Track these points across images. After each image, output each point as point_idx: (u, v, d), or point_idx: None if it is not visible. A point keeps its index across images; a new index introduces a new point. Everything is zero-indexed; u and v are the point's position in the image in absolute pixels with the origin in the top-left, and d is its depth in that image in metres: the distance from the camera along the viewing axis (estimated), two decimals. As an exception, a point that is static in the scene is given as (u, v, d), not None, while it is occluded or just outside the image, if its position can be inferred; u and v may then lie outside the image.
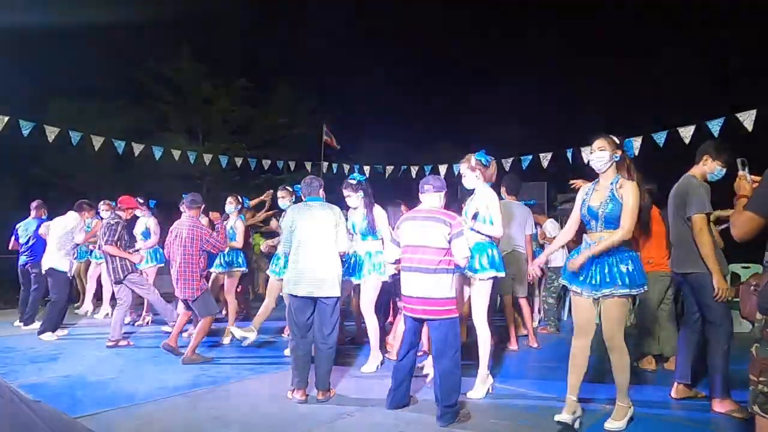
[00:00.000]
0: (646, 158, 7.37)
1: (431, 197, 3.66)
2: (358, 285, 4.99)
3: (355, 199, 4.79)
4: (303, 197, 4.23)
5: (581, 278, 3.25)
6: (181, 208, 5.90)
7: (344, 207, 4.76)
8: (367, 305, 4.81)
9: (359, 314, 5.44)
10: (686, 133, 6.89)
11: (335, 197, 5.13)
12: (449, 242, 3.46)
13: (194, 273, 5.03)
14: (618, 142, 3.30)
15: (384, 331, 5.42)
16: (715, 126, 6.61)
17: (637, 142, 7.36)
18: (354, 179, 4.85)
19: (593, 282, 3.19)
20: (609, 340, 3.20)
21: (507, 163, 8.91)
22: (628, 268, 3.14)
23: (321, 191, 4.21)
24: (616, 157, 3.25)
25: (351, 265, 4.86)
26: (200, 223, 5.20)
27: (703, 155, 3.72)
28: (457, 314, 3.53)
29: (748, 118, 6.34)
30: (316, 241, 3.92)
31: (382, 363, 4.81)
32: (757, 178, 2.48)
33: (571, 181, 5.23)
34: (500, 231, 4.00)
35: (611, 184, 3.24)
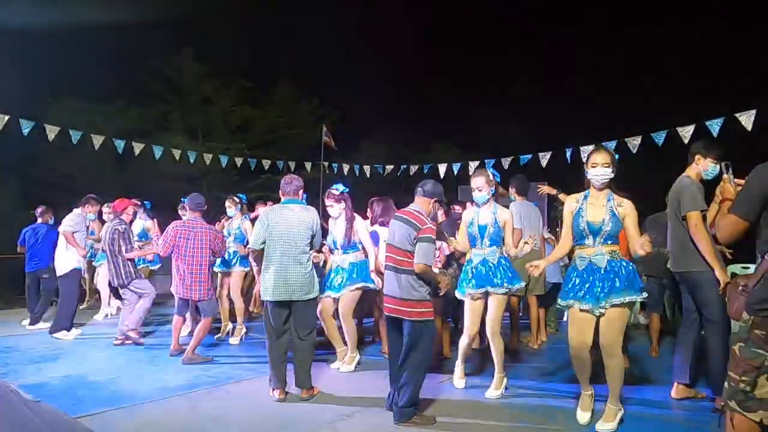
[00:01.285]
0: (646, 158, 7.39)
1: (420, 200, 3.66)
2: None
3: (336, 209, 4.72)
4: (281, 197, 4.10)
5: (582, 294, 3.25)
6: (180, 211, 5.92)
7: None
8: (345, 313, 4.77)
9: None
10: (686, 133, 6.89)
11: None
12: (414, 245, 3.46)
13: (207, 275, 5.10)
14: (616, 157, 3.34)
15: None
16: (714, 126, 6.60)
17: (636, 141, 7.36)
18: (337, 189, 4.76)
19: (599, 294, 3.19)
20: (608, 347, 3.22)
21: (506, 162, 8.91)
22: (629, 276, 3.21)
23: (300, 192, 4.11)
24: (613, 174, 3.28)
25: (332, 279, 4.80)
26: (213, 227, 5.27)
27: (694, 155, 3.75)
28: (428, 318, 3.49)
29: (747, 118, 6.34)
30: (291, 244, 3.88)
31: (359, 363, 4.85)
32: (741, 181, 2.49)
33: (539, 186, 5.25)
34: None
35: (608, 201, 3.27)
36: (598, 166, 3.24)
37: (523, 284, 4.13)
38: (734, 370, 2.07)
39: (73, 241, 6.19)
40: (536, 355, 5.49)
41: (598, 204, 3.29)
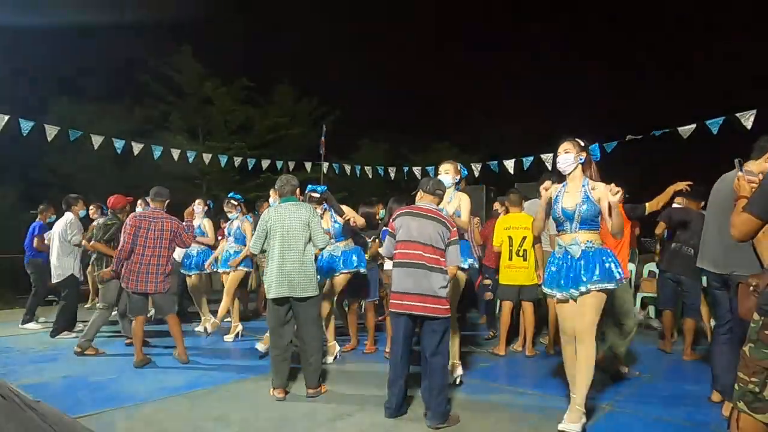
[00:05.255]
0: (646, 158, 7.38)
1: (430, 198, 3.65)
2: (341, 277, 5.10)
3: (320, 209, 4.95)
4: (278, 197, 4.22)
5: (561, 282, 3.29)
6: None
7: (343, 204, 5.10)
8: (327, 299, 5.02)
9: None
10: (686, 132, 6.89)
11: (338, 197, 5.22)
12: (446, 246, 3.48)
13: (164, 267, 4.90)
14: (583, 144, 3.38)
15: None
16: (715, 126, 6.61)
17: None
18: (317, 192, 4.98)
19: (571, 282, 3.24)
20: (580, 332, 3.23)
21: (510, 165, 8.89)
22: (603, 264, 3.20)
23: (297, 192, 4.18)
24: (581, 159, 3.33)
25: (324, 265, 4.99)
26: (174, 217, 5.05)
27: (765, 152, 3.30)
28: (449, 314, 3.51)
29: (748, 118, 6.34)
30: (288, 242, 3.92)
31: (335, 357, 5.04)
32: (754, 178, 2.47)
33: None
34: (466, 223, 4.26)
35: (583, 186, 3.32)
36: (561, 154, 3.37)
37: (471, 261, 4.39)
38: (744, 371, 2.06)
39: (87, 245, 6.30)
40: (537, 355, 5.48)
41: (573, 190, 3.35)
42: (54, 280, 6.30)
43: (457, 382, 4.21)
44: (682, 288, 5.22)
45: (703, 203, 5.33)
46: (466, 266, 4.26)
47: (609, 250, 3.32)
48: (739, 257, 3.36)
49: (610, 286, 3.21)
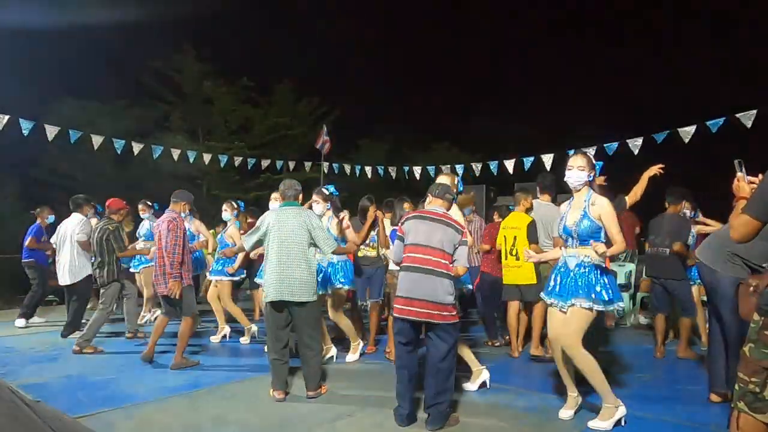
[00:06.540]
0: (647, 158, 7.38)
1: (439, 202, 3.61)
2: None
3: (321, 207, 4.81)
4: (281, 201, 4.23)
5: (556, 290, 3.36)
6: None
7: (347, 206, 4.98)
8: (335, 312, 4.99)
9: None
10: (686, 133, 6.89)
11: (339, 197, 5.20)
12: (455, 249, 3.44)
13: (164, 268, 4.74)
14: (594, 162, 3.39)
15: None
16: (715, 126, 6.61)
17: (637, 142, 7.36)
18: (327, 190, 4.93)
19: (562, 293, 3.31)
20: (567, 348, 3.30)
21: (510, 165, 8.89)
22: (598, 284, 3.23)
23: (300, 197, 4.18)
24: (590, 177, 3.34)
25: (322, 277, 4.83)
26: (180, 219, 4.90)
27: None
28: (457, 320, 3.46)
29: (748, 118, 6.34)
30: (287, 246, 3.90)
31: (362, 354, 5.11)
32: (754, 179, 2.47)
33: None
34: None
35: (584, 201, 3.32)
36: (573, 169, 3.33)
37: (469, 286, 4.48)
38: (744, 371, 2.06)
39: (89, 246, 6.20)
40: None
41: (576, 206, 3.36)
42: (69, 281, 6.17)
43: (487, 386, 4.14)
44: (668, 290, 5.20)
45: (684, 203, 5.35)
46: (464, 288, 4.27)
47: (599, 269, 3.30)
48: None
49: (597, 307, 3.23)
